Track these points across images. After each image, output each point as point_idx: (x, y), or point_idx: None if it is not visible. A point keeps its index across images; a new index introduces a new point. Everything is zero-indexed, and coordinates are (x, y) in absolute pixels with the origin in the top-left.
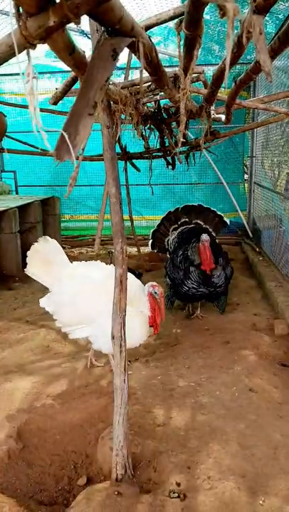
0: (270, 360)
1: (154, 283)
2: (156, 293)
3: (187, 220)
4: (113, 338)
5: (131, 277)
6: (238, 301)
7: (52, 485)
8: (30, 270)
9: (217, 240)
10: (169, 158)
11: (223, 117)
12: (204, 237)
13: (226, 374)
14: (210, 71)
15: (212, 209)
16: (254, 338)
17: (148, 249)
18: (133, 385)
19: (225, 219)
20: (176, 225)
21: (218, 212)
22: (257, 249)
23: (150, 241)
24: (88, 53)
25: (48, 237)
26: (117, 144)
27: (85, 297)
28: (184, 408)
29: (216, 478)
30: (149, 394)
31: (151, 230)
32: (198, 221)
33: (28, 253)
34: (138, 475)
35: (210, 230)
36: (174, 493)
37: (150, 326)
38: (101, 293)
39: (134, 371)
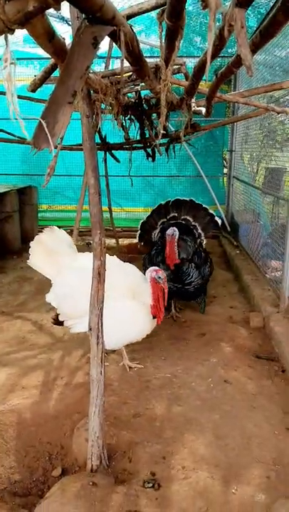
0: (245, 352)
1: (157, 267)
2: (160, 277)
3: (176, 215)
4: (90, 329)
5: (132, 268)
6: (215, 294)
7: (27, 476)
8: (33, 261)
9: (204, 239)
10: (149, 149)
11: (203, 110)
12: (169, 231)
13: (202, 366)
14: (191, 63)
15: (204, 206)
16: (230, 330)
17: (126, 241)
18: (109, 377)
19: (216, 219)
20: (165, 219)
21: (210, 211)
22: (235, 243)
23: (138, 232)
24: (68, 41)
25: (55, 228)
26: (96, 134)
27: (84, 289)
28: (160, 399)
29: (191, 468)
30: (126, 385)
31: (141, 221)
32: (188, 217)
33: (32, 243)
34: (113, 465)
35: (198, 227)
36: (148, 483)
37: (153, 317)
38: (106, 285)
39: (111, 363)
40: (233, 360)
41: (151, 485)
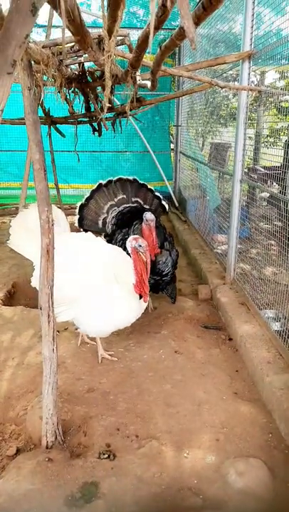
0: (194, 323)
1: (136, 236)
2: (140, 246)
3: (125, 197)
4: (40, 308)
5: (118, 250)
6: None
7: None
8: (13, 241)
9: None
10: (95, 124)
11: (148, 84)
12: (149, 215)
13: (154, 338)
14: (135, 35)
15: (149, 187)
16: (180, 303)
17: (75, 218)
18: (62, 354)
19: (163, 202)
20: (114, 202)
21: (157, 193)
22: (183, 218)
23: (77, 217)
24: (5, 6)
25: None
26: (39, 107)
27: (64, 272)
28: (113, 373)
29: (144, 436)
30: (79, 362)
31: (78, 204)
32: (139, 200)
33: (13, 221)
34: (68, 440)
35: (152, 210)
36: (104, 454)
37: (140, 297)
38: (85, 268)
39: (64, 341)
40: (183, 331)
41: (106, 456)
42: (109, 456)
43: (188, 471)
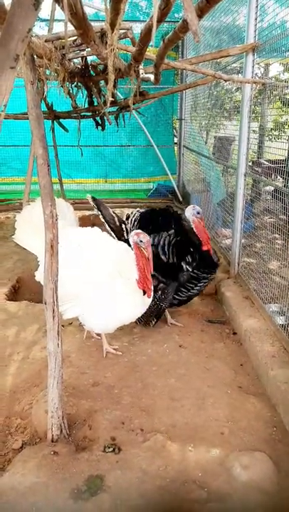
0: (198, 317)
1: (138, 230)
2: (141, 241)
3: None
4: (45, 303)
5: (123, 246)
6: None
7: None
8: (19, 236)
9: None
10: (98, 118)
11: (152, 77)
12: (198, 208)
13: (158, 333)
14: (138, 28)
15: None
16: None
17: (79, 213)
18: (67, 349)
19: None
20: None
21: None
22: None
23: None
24: (8, 1)
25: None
26: (42, 101)
27: (66, 268)
28: (118, 367)
29: (149, 430)
30: (84, 356)
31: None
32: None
33: (18, 216)
34: (74, 434)
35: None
36: (109, 447)
37: (144, 293)
38: (87, 264)
39: (68, 335)
40: (187, 325)
41: (111, 449)
42: (114, 449)
43: (193, 465)
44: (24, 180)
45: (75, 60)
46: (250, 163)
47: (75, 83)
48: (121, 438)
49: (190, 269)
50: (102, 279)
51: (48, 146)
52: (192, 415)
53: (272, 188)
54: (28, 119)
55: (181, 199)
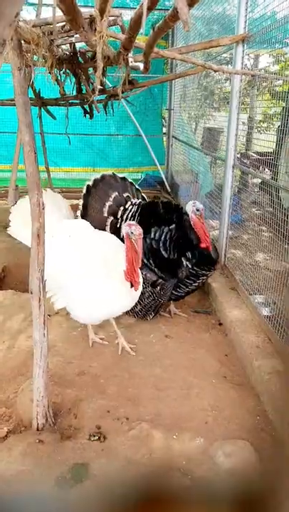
0: (185, 308)
1: (132, 222)
2: (132, 233)
3: (117, 194)
4: (31, 293)
5: (111, 238)
6: None
7: None
8: (14, 229)
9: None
10: (86, 106)
11: (141, 66)
12: (199, 205)
13: (144, 323)
14: (128, 15)
15: (130, 180)
16: None
17: (68, 202)
18: (53, 338)
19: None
20: (111, 203)
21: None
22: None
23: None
24: None
25: (48, 189)
26: (30, 88)
27: (53, 257)
28: (104, 357)
29: (134, 419)
30: (70, 345)
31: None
32: (128, 194)
33: (13, 208)
34: (59, 423)
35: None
36: (94, 436)
37: (131, 286)
38: (73, 255)
39: (55, 325)
40: (173, 316)
41: (96, 438)
42: (99, 438)
43: (178, 453)
44: (10, 168)
45: (64, 47)
46: (239, 155)
47: (63, 70)
48: (106, 427)
49: (190, 266)
50: (86, 270)
51: (35, 133)
52: (177, 404)
53: (260, 181)
54: (14, 105)
55: (169, 189)
